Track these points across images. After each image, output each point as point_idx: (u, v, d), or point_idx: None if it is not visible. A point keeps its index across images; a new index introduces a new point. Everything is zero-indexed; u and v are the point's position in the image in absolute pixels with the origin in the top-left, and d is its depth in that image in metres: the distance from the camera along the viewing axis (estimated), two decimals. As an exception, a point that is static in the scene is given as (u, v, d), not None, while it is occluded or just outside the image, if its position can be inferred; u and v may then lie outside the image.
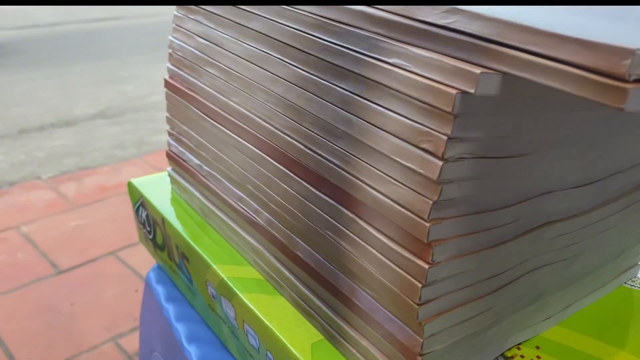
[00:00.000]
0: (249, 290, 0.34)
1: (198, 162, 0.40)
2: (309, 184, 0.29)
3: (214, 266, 0.36)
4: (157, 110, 2.13)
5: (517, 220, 0.26)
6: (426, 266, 0.23)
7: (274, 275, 0.34)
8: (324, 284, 0.30)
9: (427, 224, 0.23)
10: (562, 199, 0.28)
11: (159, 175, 0.47)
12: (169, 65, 0.42)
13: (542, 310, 0.31)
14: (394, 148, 0.24)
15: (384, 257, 0.25)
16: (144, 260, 1.23)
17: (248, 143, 0.34)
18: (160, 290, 0.43)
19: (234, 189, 0.36)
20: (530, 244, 0.27)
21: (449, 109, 0.21)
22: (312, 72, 0.28)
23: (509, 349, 0.31)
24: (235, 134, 0.35)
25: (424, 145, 0.22)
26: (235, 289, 0.34)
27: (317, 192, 0.29)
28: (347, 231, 0.27)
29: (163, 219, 0.42)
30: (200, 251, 0.37)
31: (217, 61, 0.36)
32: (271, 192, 0.32)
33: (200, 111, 0.38)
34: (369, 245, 0.26)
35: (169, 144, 0.44)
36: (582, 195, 0.29)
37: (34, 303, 1.09)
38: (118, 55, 2.91)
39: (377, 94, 0.24)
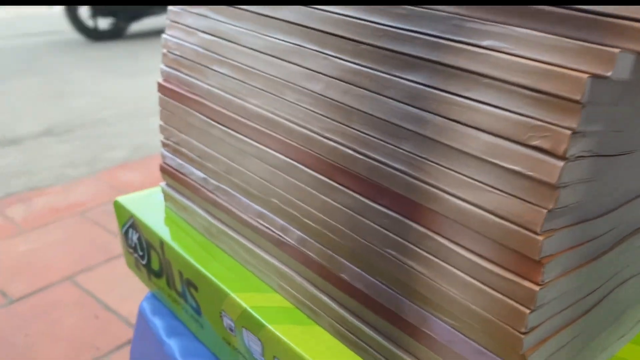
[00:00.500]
0: (277, 321, 0.29)
1: (203, 175, 0.35)
2: (361, 194, 0.25)
3: (233, 295, 0.31)
4: (107, 126, 2.03)
5: (616, 227, 0.23)
6: (536, 288, 0.19)
7: (308, 302, 0.29)
8: (379, 311, 0.26)
9: (540, 238, 0.19)
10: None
11: (149, 192, 0.42)
12: (162, 67, 0.37)
13: (620, 327, 0.28)
14: (489, 148, 0.20)
15: (473, 279, 0.21)
16: (104, 284, 1.15)
17: (273, 150, 0.29)
18: (158, 323, 0.38)
19: (253, 205, 0.32)
20: (622, 254, 0.24)
21: (578, 97, 0.17)
22: (363, 63, 0.24)
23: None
24: (255, 141, 0.30)
25: (535, 143, 0.18)
26: (262, 320, 0.29)
27: (372, 204, 0.24)
28: (417, 249, 0.23)
29: (162, 242, 0.36)
30: (212, 278, 0.32)
31: (229, 59, 0.31)
32: (305, 206, 0.28)
33: (206, 117, 0.33)
34: (451, 266, 0.22)
35: (164, 156, 0.38)
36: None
37: (-15, 337, 0.99)
38: (63, 70, 2.78)
39: (463, 84, 0.20)
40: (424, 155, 0.22)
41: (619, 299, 0.26)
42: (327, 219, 0.27)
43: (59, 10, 4.37)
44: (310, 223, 0.28)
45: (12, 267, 1.21)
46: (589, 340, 0.25)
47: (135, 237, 0.39)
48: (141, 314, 0.40)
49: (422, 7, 0.21)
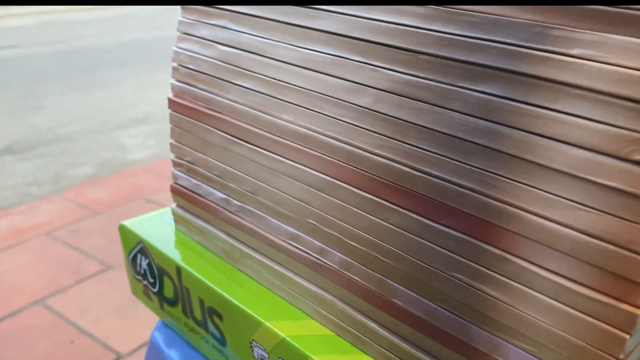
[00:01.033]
0: (320, 351, 0.27)
1: (223, 195, 0.33)
2: (419, 214, 0.23)
3: (267, 323, 0.29)
4: (71, 142, 1.97)
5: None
6: (636, 311, 0.18)
7: (352, 329, 0.28)
8: (439, 337, 0.24)
9: (642, 258, 0.18)
10: None
11: (156, 214, 0.39)
12: (173, 81, 0.35)
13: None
14: (580, 163, 0.18)
15: (560, 303, 0.20)
16: (77, 306, 1.11)
17: (309, 168, 0.27)
18: (175, 355, 0.35)
19: (284, 226, 0.30)
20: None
21: (693, 107, 0.16)
22: (420, 74, 0.22)
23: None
24: (287, 159, 0.28)
25: (637, 157, 0.17)
26: (305, 351, 0.27)
27: (433, 224, 0.23)
28: (490, 272, 0.21)
29: (178, 268, 0.34)
30: (241, 306, 0.30)
31: (254, 72, 0.29)
32: (349, 227, 0.26)
33: (229, 134, 0.31)
34: (532, 290, 0.20)
35: (175, 177, 0.36)
36: None
37: (-46, 369, 0.94)
38: (21, 85, 2.69)
39: (548, 95, 0.19)
40: (498, 172, 0.21)
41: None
42: (376, 240, 0.25)
43: (18, 23, 4.24)
44: (356, 245, 0.26)
45: (-22, 292, 1.15)
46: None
47: (144, 263, 0.37)
48: (153, 345, 0.37)
49: (496, 15, 0.20)
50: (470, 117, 0.21)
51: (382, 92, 0.24)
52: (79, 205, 1.52)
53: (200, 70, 0.32)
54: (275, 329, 0.29)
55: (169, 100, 0.35)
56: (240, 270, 0.33)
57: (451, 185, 0.22)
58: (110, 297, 1.14)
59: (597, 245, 0.18)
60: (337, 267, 0.27)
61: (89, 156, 1.85)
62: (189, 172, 0.35)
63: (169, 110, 0.35)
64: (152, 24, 4.46)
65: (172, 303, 0.36)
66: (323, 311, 0.29)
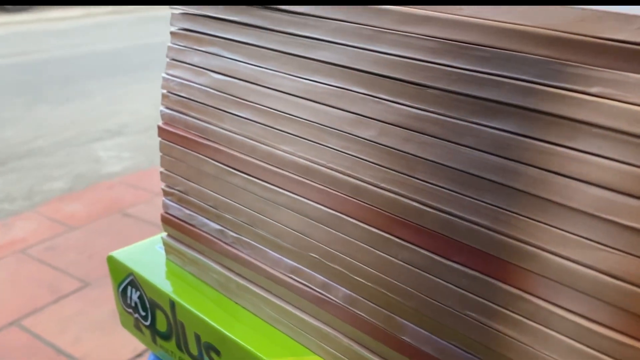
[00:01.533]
0: (325, 388, 0.27)
1: (218, 226, 0.32)
2: (429, 250, 0.23)
3: (268, 360, 0.28)
4: (45, 156, 1.93)
5: None
6: (662, 355, 0.18)
7: (358, 366, 0.27)
8: (452, 376, 0.23)
9: (668, 301, 0.17)
10: None
11: (146, 243, 0.38)
12: (163, 109, 0.33)
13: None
14: (600, 203, 0.18)
15: (581, 344, 0.19)
16: (55, 326, 1.08)
17: (310, 201, 0.27)
18: (170, 391, 0.34)
19: (284, 259, 0.29)
20: None
21: None
22: (429, 108, 0.22)
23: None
24: (287, 190, 0.27)
25: (661, 199, 0.17)
26: (310, 390, 0.26)
27: (444, 261, 0.22)
28: (506, 311, 0.21)
29: (172, 302, 0.33)
30: (240, 342, 0.29)
31: (252, 102, 0.28)
32: (354, 262, 0.26)
33: (224, 164, 0.30)
34: (552, 330, 0.20)
35: (166, 206, 0.35)
36: None
37: None
38: (-12, 97, 2.63)
39: (566, 133, 0.18)
40: (513, 209, 0.20)
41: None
42: (383, 276, 0.25)
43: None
44: (362, 280, 0.25)
45: (-49, 315, 1.11)
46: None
47: (135, 296, 0.36)
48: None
49: (509, 50, 0.19)
50: (483, 153, 0.20)
51: (388, 125, 0.23)
52: (54, 221, 1.49)
53: (192, 98, 0.31)
54: (278, 367, 0.28)
55: (159, 128, 0.34)
56: (237, 303, 0.32)
57: (464, 222, 0.21)
58: (90, 315, 1.11)
59: (618, 286, 0.18)
60: (341, 302, 0.27)
61: (64, 170, 1.82)
62: (181, 201, 0.34)
63: (159, 139, 0.34)
64: (127, 33, 4.41)
65: (166, 337, 0.35)
66: (327, 347, 0.28)
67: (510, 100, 0.19)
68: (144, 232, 1.38)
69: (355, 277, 0.26)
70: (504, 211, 0.20)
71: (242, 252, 0.31)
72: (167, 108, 0.33)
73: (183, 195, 0.33)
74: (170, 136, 0.33)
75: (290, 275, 0.29)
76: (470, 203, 0.21)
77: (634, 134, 0.17)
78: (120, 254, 0.37)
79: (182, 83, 0.32)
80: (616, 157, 0.18)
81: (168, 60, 0.33)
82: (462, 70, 0.21)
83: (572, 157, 0.18)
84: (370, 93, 0.24)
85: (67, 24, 4.88)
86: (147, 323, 0.36)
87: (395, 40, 0.22)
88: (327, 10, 0.25)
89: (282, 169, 0.27)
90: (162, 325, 0.35)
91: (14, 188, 1.69)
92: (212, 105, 0.30)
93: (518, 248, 0.20)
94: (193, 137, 0.32)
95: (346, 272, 0.26)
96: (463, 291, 0.22)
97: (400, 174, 0.23)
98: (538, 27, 0.19)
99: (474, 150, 0.21)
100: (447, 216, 0.22)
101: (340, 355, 0.28)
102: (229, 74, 0.29)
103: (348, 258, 0.26)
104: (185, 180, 0.33)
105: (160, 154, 0.34)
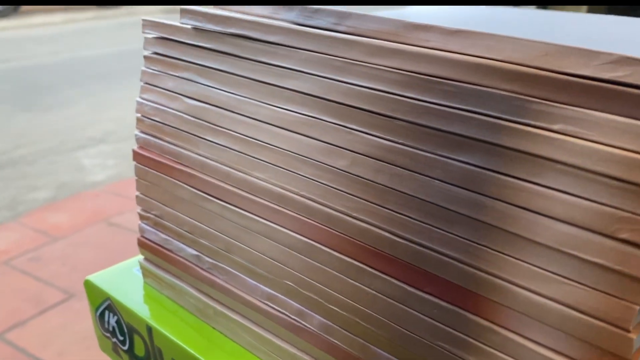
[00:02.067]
0: (302, 416, 0.27)
1: (194, 252, 0.32)
2: (401, 280, 0.23)
3: (246, 388, 0.28)
4: (27, 165, 1.91)
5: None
6: (628, 389, 0.18)
7: (335, 392, 0.27)
8: (426, 404, 0.23)
9: (632, 336, 0.17)
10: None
11: (123, 266, 0.38)
12: (138, 133, 0.33)
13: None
14: (565, 238, 0.18)
15: (550, 376, 0.19)
16: (39, 339, 1.07)
17: (285, 228, 0.27)
18: (149, 416, 0.34)
19: (260, 286, 0.29)
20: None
21: (679, 191, 0.16)
22: (399, 140, 0.22)
23: None
24: (262, 218, 0.27)
25: (624, 236, 0.17)
26: (286, 418, 0.26)
27: (417, 292, 0.22)
28: (477, 343, 0.21)
29: (149, 328, 0.33)
30: (218, 368, 0.29)
31: (226, 128, 0.28)
32: (329, 290, 0.26)
33: (199, 190, 0.30)
34: (521, 362, 0.20)
35: (142, 230, 0.35)
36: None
37: None
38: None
39: (530, 169, 0.19)
40: (482, 242, 0.20)
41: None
42: (357, 305, 0.25)
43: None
44: (336, 309, 0.26)
45: None
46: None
47: (113, 320, 0.35)
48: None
49: (474, 85, 0.20)
50: (452, 186, 0.21)
51: (359, 155, 0.23)
52: (37, 232, 1.47)
53: (167, 123, 0.31)
54: (254, 394, 0.28)
55: (134, 152, 0.33)
56: (215, 329, 0.32)
57: (434, 254, 0.22)
58: (74, 328, 1.10)
59: (586, 321, 0.18)
60: (316, 330, 0.27)
61: (47, 179, 1.80)
62: (157, 226, 0.34)
63: (134, 163, 0.34)
64: (108, 39, 4.38)
65: (144, 362, 0.34)
66: (304, 373, 0.28)
67: (477, 135, 0.20)
68: (130, 241, 1.37)
69: (330, 306, 0.26)
70: (473, 244, 0.20)
71: (219, 278, 0.31)
72: (142, 132, 0.33)
73: (159, 219, 0.33)
74: (145, 160, 0.33)
75: (267, 302, 0.29)
76: (440, 235, 0.21)
77: (597, 172, 0.17)
78: (97, 277, 0.36)
79: (156, 107, 0.32)
80: (580, 194, 0.18)
81: (142, 84, 0.33)
82: (430, 104, 0.21)
83: (537, 192, 0.19)
84: (342, 123, 0.24)
85: (48, 30, 4.84)
86: (125, 348, 0.36)
87: (364, 72, 0.22)
88: (297, 40, 0.25)
89: (256, 196, 0.27)
90: (140, 350, 0.34)
91: (-4, 198, 1.67)
92: (187, 130, 0.30)
93: (487, 281, 0.20)
94: (168, 162, 0.31)
95: (321, 300, 0.26)
96: (434, 321, 0.22)
97: (372, 204, 0.23)
98: (503, 62, 0.19)
99: (444, 183, 0.21)
100: (419, 247, 0.22)
101: (316, 382, 0.28)
102: (203, 99, 0.29)
103: (322, 286, 0.26)
104: (161, 205, 0.33)
105: (136, 178, 0.34)
